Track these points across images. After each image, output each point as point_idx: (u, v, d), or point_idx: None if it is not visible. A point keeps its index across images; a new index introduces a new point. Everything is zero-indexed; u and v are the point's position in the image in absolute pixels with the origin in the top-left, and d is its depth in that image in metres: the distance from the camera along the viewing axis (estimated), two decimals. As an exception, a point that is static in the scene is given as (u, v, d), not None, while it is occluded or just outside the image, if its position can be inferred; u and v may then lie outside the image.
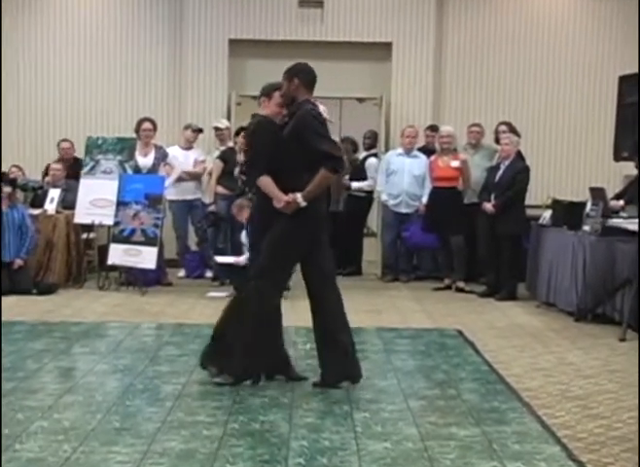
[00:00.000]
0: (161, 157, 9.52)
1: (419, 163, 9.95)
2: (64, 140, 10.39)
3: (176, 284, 9.52)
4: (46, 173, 10.07)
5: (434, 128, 10.34)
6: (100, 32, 11.03)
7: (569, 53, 11.13)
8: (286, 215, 5.03)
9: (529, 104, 11.09)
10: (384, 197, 10.11)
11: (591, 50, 11.14)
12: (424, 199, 9.78)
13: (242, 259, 8.48)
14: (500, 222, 8.86)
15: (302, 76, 5.16)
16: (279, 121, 5.23)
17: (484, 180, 9.27)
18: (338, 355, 5.18)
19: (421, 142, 10.37)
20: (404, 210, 10.02)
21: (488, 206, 8.98)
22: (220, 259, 8.77)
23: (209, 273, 9.83)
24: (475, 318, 7.88)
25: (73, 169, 9.88)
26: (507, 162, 9.00)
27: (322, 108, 5.39)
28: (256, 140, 5.20)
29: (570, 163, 11.18)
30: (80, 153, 10.03)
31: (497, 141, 9.73)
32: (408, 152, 10.07)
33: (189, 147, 9.99)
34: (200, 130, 9.95)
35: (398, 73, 10.86)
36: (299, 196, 5.00)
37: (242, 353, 5.10)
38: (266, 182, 5.08)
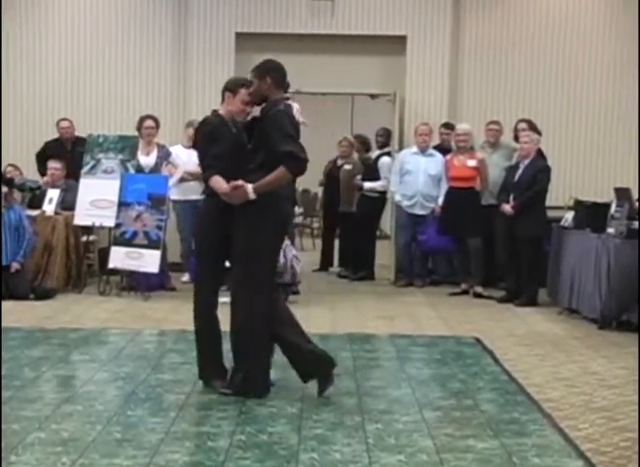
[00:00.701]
0: (164, 156, 9.54)
1: (435, 163, 9.95)
2: (63, 119, 10.43)
3: (180, 289, 9.50)
4: (44, 154, 10.10)
5: (449, 126, 10.36)
6: (101, 26, 11.09)
7: (592, 48, 11.13)
8: (246, 220, 5.03)
9: (550, 100, 11.11)
10: (398, 197, 10.10)
11: (615, 44, 11.12)
12: (440, 200, 9.78)
13: None
14: (519, 224, 8.86)
15: (275, 74, 5.18)
16: (242, 118, 5.29)
17: (503, 180, 9.30)
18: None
19: (436, 140, 10.39)
20: (418, 212, 10.02)
21: (507, 207, 8.99)
22: (225, 262, 8.76)
23: (215, 278, 9.83)
24: (493, 325, 7.87)
25: (76, 149, 9.94)
26: (526, 162, 9.01)
27: (296, 108, 5.43)
28: (201, 138, 5.30)
29: (593, 162, 11.18)
30: (80, 131, 10.21)
31: (516, 139, 9.72)
32: (423, 150, 10.07)
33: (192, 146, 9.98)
34: None
35: (412, 68, 10.89)
36: (249, 186, 4.98)
37: (254, 369, 5.15)
38: (215, 180, 5.13)
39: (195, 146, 5.57)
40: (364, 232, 10.38)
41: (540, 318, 8.28)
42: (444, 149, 10.09)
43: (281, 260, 8.55)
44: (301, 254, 9.08)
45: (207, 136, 5.25)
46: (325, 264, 11.27)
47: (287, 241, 8.78)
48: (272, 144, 4.99)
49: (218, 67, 10.77)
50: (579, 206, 8.64)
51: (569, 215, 8.75)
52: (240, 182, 5.01)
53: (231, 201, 5.06)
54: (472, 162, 9.45)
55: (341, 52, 10.82)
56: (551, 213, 9.18)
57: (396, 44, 10.86)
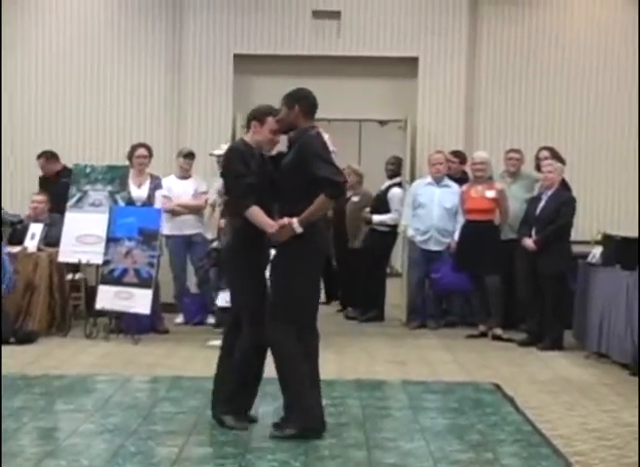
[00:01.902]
0: (157, 187, 9.61)
1: (451, 194, 9.97)
2: (42, 154, 10.38)
3: (173, 331, 9.50)
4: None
5: (458, 154, 10.41)
6: (89, 50, 11.09)
7: (619, 71, 11.13)
8: (286, 249, 5.27)
9: (574, 127, 11.13)
10: (411, 232, 10.11)
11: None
12: (456, 235, 9.78)
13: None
14: (542, 260, 8.87)
15: (304, 103, 5.40)
16: (269, 149, 5.50)
17: (524, 213, 9.31)
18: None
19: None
20: (433, 247, 10.03)
21: (529, 242, 8.99)
22: (222, 302, 8.76)
23: (211, 319, 9.83)
24: (515, 371, 7.83)
25: (61, 180, 9.93)
26: (549, 193, 9.05)
27: (326, 137, 5.57)
28: (230, 167, 5.46)
29: (622, 193, 11.14)
30: (65, 161, 10.26)
31: (538, 169, 9.75)
32: (437, 181, 10.10)
33: (185, 176, 10.06)
34: (191, 155, 10.01)
35: (425, 92, 10.91)
36: (295, 220, 5.22)
37: (297, 404, 5.31)
38: (254, 212, 5.31)
39: (223, 174, 5.69)
40: (373, 269, 10.37)
41: (566, 363, 8.24)
42: (450, 178, 10.15)
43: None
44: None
45: (240, 164, 5.37)
46: (330, 297, 11.36)
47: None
48: (308, 171, 5.22)
49: (215, 91, 10.84)
50: (607, 241, 8.63)
51: (597, 251, 8.74)
52: (286, 220, 5.24)
53: (278, 239, 5.30)
54: (490, 194, 9.48)
55: (348, 74, 10.87)
56: (576, 248, 9.19)
57: (407, 66, 10.89)
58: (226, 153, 5.68)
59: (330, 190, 5.21)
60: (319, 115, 10.73)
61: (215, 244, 9.39)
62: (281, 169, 5.37)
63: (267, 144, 5.49)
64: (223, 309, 8.81)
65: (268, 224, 5.28)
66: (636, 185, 10.98)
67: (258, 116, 5.50)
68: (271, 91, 10.40)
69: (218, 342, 8.71)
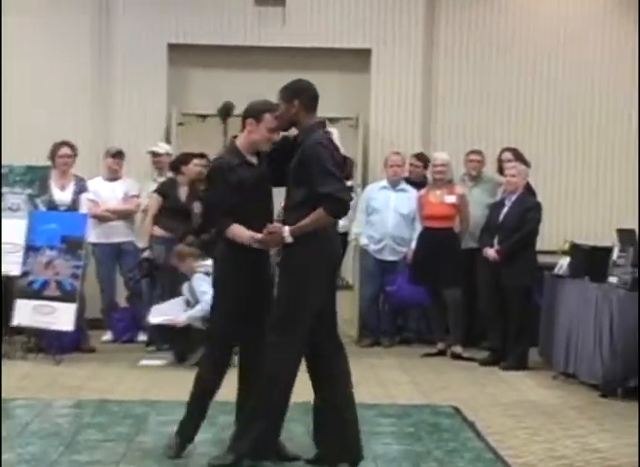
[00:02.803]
0: (83, 190, 9.54)
1: (408, 199, 9.99)
2: None
3: (100, 350, 9.42)
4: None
5: (421, 158, 10.41)
6: (8, 34, 10.70)
7: (589, 64, 11.20)
8: (289, 261, 5.34)
9: (540, 126, 11.19)
10: (364, 240, 10.13)
11: (618, 57, 11.18)
12: (413, 244, 9.80)
13: (182, 318, 8.61)
14: (506, 272, 8.93)
15: (304, 97, 5.42)
16: (267, 148, 5.53)
17: (486, 220, 9.37)
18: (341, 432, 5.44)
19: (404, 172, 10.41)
20: (388, 257, 10.06)
21: (491, 252, 9.05)
22: (155, 318, 8.76)
23: (143, 337, 9.78)
24: (475, 392, 7.86)
25: None
26: (513, 198, 9.12)
27: (335, 134, 5.58)
28: (213, 184, 5.58)
29: (592, 199, 11.22)
30: None
31: (501, 172, 9.81)
32: (393, 185, 10.13)
33: (114, 177, 9.99)
34: (120, 154, 9.95)
35: (378, 87, 10.95)
36: (286, 228, 5.28)
37: (263, 422, 5.30)
38: (233, 230, 5.42)
39: (206, 191, 5.79)
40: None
41: (531, 384, 8.28)
42: (412, 182, 10.17)
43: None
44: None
45: (222, 183, 5.45)
46: None
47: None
48: (312, 183, 5.25)
49: (148, 85, 10.77)
50: (575, 251, 8.68)
51: (564, 261, 8.80)
52: (277, 226, 5.34)
53: (267, 247, 5.45)
54: (450, 199, 9.51)
55: (294, 67, 10.51)
56: (542, 259, 9.26)
57: (359, 59, 10.93)
58: (209, 173, 5.77)
59: (331, 207, 5.24)
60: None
61: (147, 253, 9.48)
62: (288, 174, 5.41)
63: (264, 144, 5.52)
64: (156, 326, 8.91)
65: (248, 237, 5.35)
66: (605, 191, 11.13)
67: (254, 113, 5.52)
68: (210, 85, 10.76)
69: (150, 362, 8.81)
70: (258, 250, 5.41)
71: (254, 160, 5.55)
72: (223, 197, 5.45)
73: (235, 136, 5.72)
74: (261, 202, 5.51)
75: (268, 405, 5.33)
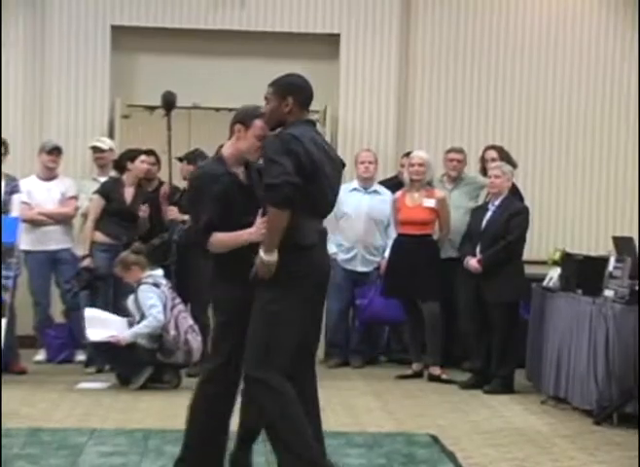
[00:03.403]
0: (14, 191, 9.47)
1: (381, 203, 9.99)
2: None
3: (32, 372, 9.36)
4: None
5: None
6: None
7: (579, 55, 11.28)
8: (266, 281, 5.27)
9: (527, 122, 11.25)
10: (332, 248, 10.02)
11: (607, 50, 11.29)
12: (387, 253, 9.80)
13: (127, 335, 8.62)
14: (489, 284, 8.96)
15: (300, 95, 5.44)
16: (255, 158, 5.56)
17: (467, 226, 9.40)
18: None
19: (390, 172, 10.46)
20: (359, 268, 10.08)
21: (473, 262, 9.07)
22: (94, 335, 8.71)
23: (81, 356, 9.74)
24: (456, 419, 7.85)
25: None
26: (497, 202, 9.13)
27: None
28: (195, 194, 5.60)
29: (585, 204, 11.25)
30: None
31: (484, 172, 9.85)
32: (365, 186, 10.15)
33: (50, 176, 9.95)
34: (58, 150, 9.90)
35: (348, 77, 10.97)
36: (260, 253, 5.22)
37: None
38: (218, 239, 5.43)
39: (189, 202, 5.89)
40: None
41: (517, 410, 8.28)
42: (398, 184, 10.08)
43: (171, 332, 8.66)
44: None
45: (204, 194, 5.46)
46: None
47: (180, 306, 8.83)
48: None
49: (88, 72, 10.74)
50: (567, 261, 8.71)
51: (554, 273, 8.84)
52: (256, 260, 5.24)
53: (259, 279, 5.28)
54: (429, 202, 9.51)
55: (254, 54, 10.84)
56: (530, 270, 9.30)
57: (326, 44, 10.96)
58: (189, 182, 5.90)
59: (270, 197, 5.20)
60: (218, 103, 10.85)
61: (86, 262, 9.46)
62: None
63: (252, 153, 5.54)
64: (96, 345, 8.83)
65: (241, 236, 5.38)
66: (599, 194, 11.19)
67: (243, 119, 5.56)
68: (159, 73, 10.70)
69: (89, 385, 8.75)
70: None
71: (240, 171, 5.56)
72: (204, 209, 5.45)
73: (222, 145, 5.73)
74: (246, 220, 5.43)
75: (290, 444, 5.30)
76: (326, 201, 5.48)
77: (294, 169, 5.16)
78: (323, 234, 5.56)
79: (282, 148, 5.22)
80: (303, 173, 5.20)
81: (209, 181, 5.47)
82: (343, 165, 5.65)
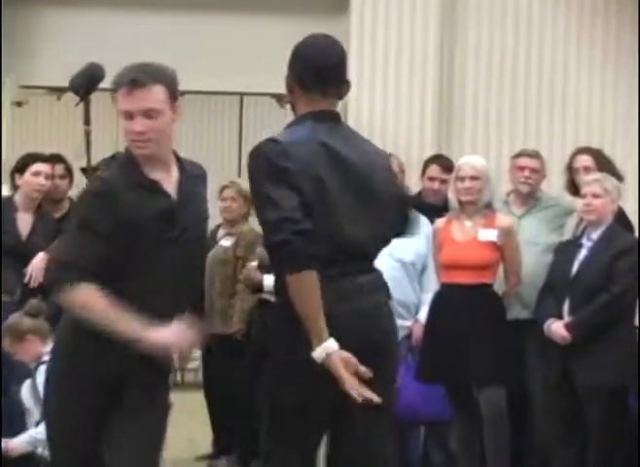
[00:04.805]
0: None
1: (413, 236, 9.28)
2: None
3: None
4: None
5: (444, 164, 10.13)
6: None
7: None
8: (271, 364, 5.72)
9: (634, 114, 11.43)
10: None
11: None
12: (423, 313, 9.42)
13: (18, 442, 8.51)
14: (583, 361, 8.72)
15: (301, 70, 5.55)
16: None
17: (548, 271, 9.22)
18: None
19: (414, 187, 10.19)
20: (381, 337, 9.62)
21: (558, 328, 8.79)
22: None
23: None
24: None
25: None
26: (596, 235, 8.97)
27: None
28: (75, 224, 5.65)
29: None
30: None
31: (573, 189, 9.70)
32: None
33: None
34: None
35: (363, 41, 11.08)
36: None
37: None
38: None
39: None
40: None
41: None
42: (425, 207, 9.90)
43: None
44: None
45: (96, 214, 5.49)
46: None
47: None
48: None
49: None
50: None
51: (685, 344, 8.65)
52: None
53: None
54: (488, 235, 9.09)
55: (233, 7, 11.11)
56: (645, 339, 9.00)
57: (331, 2, 11.57)
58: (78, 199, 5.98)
59: (276, 262, 5.41)
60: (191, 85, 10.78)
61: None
62: None
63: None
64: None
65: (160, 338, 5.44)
66: None
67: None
68: (73, 38, 10.94)
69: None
70: None
71: (164, 176, 5.51)
72: (89, 241, 5.42)
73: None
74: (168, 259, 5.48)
75: None
76: (340, 235, 5.43)
77: (294, 202, 5.23)
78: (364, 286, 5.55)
79: (266, 170, 5.30)
80: (306, 201, 5.26)
81: (111, 196, 5.48)
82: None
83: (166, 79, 5.51)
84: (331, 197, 5.34)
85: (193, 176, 5.63)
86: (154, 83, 5.43)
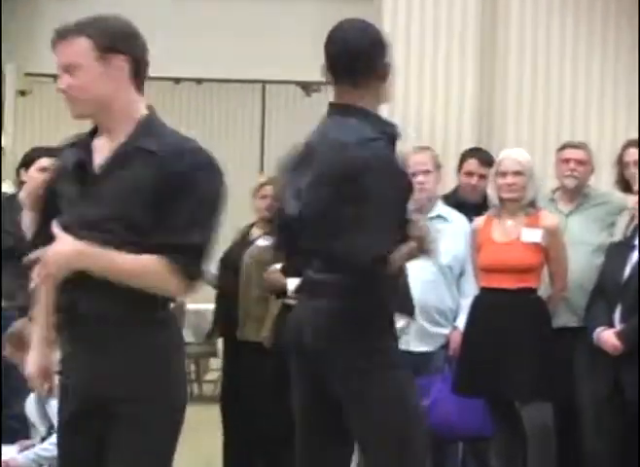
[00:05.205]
0: None
1: (450, 236, 9.51)
2: None
3: None
4: None
5: (482, 158, 10.16)
6: None
7: None
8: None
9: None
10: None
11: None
12: (461, 321, 9.38)
13: (22, 460, 8.60)
14: (636, 373, 8.68)
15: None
16: None
17: (599, 275, 9.26)
18: None
19: (450, 184, 10.40)
20: (416, 347, 9.72)
21: (609, 337, 8.83)
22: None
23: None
24: None
25: None
26: (652, 235, 8.94)
27: None
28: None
29: None
30: None
31: (625, 185, 9.77)
32: (420, 208, 9.57)
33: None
34: None
35: (396, 28, 11.08)
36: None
37: None
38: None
39: None
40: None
41: None
42: (463, 205, 9.99)
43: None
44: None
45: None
46: None
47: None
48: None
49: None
50: None
51: None
52: None
53: None
54: (531, 235, 9.08)
55: None
56: None
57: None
58: None
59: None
60: (174, 72, 10.78)
61: None
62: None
63: None
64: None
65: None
66: None
67: None
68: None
69: None
70: None
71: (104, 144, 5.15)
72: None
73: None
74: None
75: None
76: None
77: None
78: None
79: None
80: None
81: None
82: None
83: (94, 29, 5.11)
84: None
85: (133, 149, 5.08)
86: (76, 34, 5.07)
